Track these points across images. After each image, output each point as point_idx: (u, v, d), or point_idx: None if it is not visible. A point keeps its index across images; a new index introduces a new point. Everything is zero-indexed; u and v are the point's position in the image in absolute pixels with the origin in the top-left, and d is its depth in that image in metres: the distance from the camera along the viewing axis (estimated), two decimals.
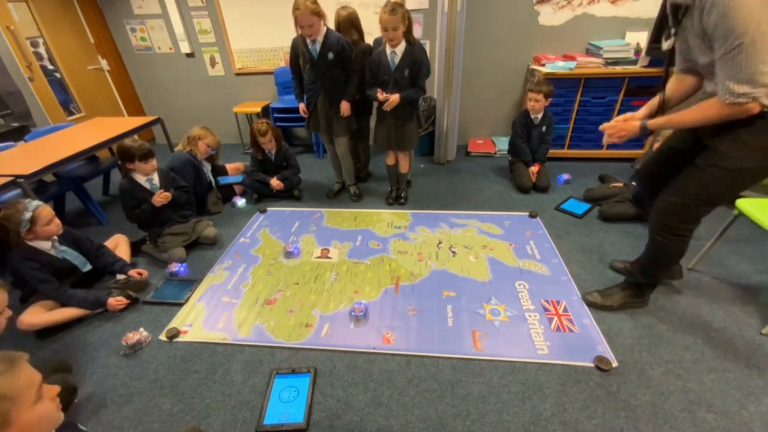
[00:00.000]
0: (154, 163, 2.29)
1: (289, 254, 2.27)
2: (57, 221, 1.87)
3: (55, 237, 1.89)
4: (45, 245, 1.85)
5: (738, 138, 1.24)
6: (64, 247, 1.93)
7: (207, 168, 2.83)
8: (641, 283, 1.73)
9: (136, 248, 2.37)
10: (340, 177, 3.01)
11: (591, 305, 1.79)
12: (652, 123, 1.34)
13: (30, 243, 1.80)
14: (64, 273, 1.94)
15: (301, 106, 2.63)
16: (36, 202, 1.79)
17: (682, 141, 1.51)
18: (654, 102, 1.44)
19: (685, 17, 1.19)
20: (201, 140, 2.69)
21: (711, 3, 1.05)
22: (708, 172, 1.33)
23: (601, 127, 1.49)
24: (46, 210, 1.81)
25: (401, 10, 2.11)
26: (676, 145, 1.55)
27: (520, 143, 2.96)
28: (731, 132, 1.25)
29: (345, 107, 2.48)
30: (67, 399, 1.38)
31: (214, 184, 2.90)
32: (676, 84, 1.42)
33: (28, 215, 1.73)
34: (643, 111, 1.45)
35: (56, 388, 0.89)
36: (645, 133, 1.38)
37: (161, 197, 2.27)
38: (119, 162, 2.29)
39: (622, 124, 1.42)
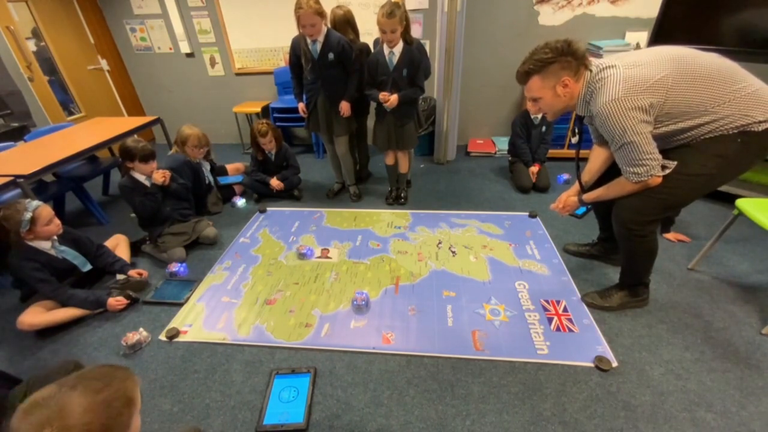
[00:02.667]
0: (154, 165, 2.29)
1: (302, 256, 2.26)
2: (57, 221, 1.86)
3: (55, 237, 1.89)
4: (45, 245, 1.85)
5: (695, 146, 1.37)
6: (63, 247, 1.93)
7: (206, 168, 2.82)
8: (632, 284, 1.75)
9: (136, 248, 2.38)
10: (340, 177, 3.00)
11: (590, 306, 1.79)
12: (587, 197, 1.65)
13: (30, 243, 1.80)
14: (64, 273, 1.94)
15: (301, 105, 2.63)
16: (36, 202, 1.79)
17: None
18: (584, 178, 1.77)
19: (586, 120, 1.59)
20: (186, 145, 2.63)
21: (595, 114, 1.38)
22: (668, 179, 1.41)
23: (552, 207, 1.84)
24: (46, 210, 1.81)
25: (399, 12, 2.11)
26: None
27: (520, 143, 2.96)
28: (687, 143, 1.39)
29: (345, 107, 2.48)
30: None
31: (213, 183, 2.89)
32: (597, 153, 1.71)
33: (28, 215, 1.73)
34: (576, 187, 1.79)
35: None
36: (584, 205, 1.72)
37: (161, 174, 2.29)
38: (120, 160, 2.29)
39: (565, 201, 1.78)
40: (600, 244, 2.10)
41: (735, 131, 1.29)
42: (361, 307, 1.84)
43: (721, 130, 1.31)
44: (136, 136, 2.59)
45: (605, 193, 1.56)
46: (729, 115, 1.28)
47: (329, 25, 2.43)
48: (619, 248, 1.70)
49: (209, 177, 2.84)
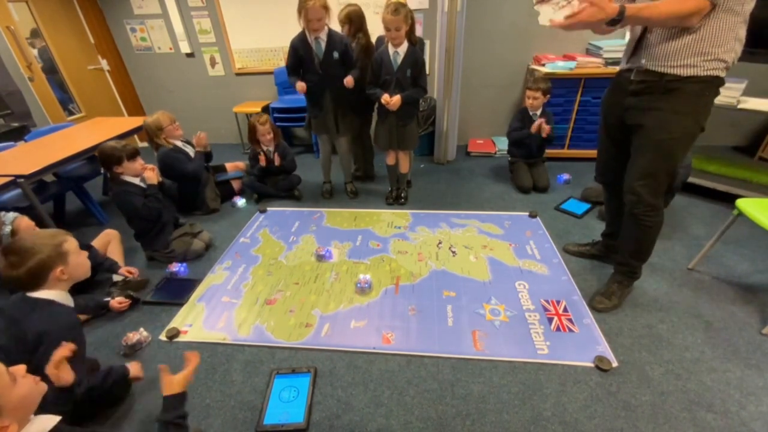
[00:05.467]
0: (141, 161, 2.20)
1: (320, 257, 2.25)
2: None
3: None
4: None
5: (665, 109, 1.41)
6: None
7: (189, 150, 2.71)
8: (636, 266, 1.76)
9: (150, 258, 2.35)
10: (328, 177, 3.00)
11: (602, 311, 1.76)
12: (631, 6, 1.24)
13: None
14: None
15: (299, 84, 2.43)
16: (12, 214, 1.71)
17: (613, 133, 1.69)
18: None
19: None
20: (163, 130, 2.53)
21: None
22: (654, 149, 1.47)
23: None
24: (25, 221, 1.72)
25: (404, 10, 2.12)
26: (611, 137, 1.71)
27: (514, 132, 2.91)
28: (656, 107, 1.43)
29: (349, 80, 2.38)
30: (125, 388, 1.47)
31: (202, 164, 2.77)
32: None
33: (7, 229, 1.65)
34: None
35: (23, 366, 0.91)
36: (621, 15, 1.22)
37: (152, 171, 2.22)
38: (104, 170, 2.13)
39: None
40: (601, 243, 2.09)
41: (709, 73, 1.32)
42: (365, 289, 1.94)
43: (709, 69, 1.32)
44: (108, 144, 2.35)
45: (654, 4, 1.25)
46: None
47: (345, 19, 2.47)
48: (632, 231, 1.67)
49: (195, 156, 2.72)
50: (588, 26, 1.26)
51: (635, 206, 1.58)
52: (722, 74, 1.34)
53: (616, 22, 1.24)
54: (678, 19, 1.28)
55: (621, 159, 1.67)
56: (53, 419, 0.94)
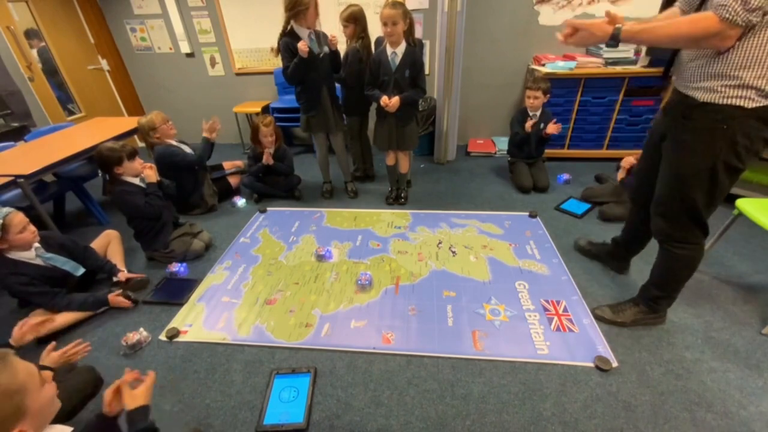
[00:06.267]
0: (140, 161, 2.19)
1: (320, 257, 2.24)
2: (32, 228, 1.73)
3: (38, 245, 1.78)
4: (28, 255, 1.74)
5: (684, 144, 1.27)
6: (50, 254, 1.82)
7: (186, 148, 2.71)
8: (657, 296, 1.61)
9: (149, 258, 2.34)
10: (327, 176, 3.01)
11: (600, 320, 1.72)
12: (629, 29, 1.16)
13: (10, 256, 1.68)
14: (60, 281, 1.86)
15: (301, 42, 2.23)
16: (6, 209, 1.64)
17: (649, 153, 1.53)
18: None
19: None
20: (157, 129, 2.52)
21: None
22: (665, 179, 1.36)
23: (567, 21, 1.24)
24: (18, 216, 1.66)
25: (402, 6, 2.14)
26: (645, 156, 1.58)
27: (515, 136, 2.91)
28: (672, 136, 1.30)
29: (334, 38, 2.36)
30: (92, 392, 1.37)
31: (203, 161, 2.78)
32: (669, 14, 1.29)
33: None
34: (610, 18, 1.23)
35: (51, 372, 0.94)
36: (615, 40, 1.15)
37: (151, 169, 2.21)
38: (103, 172, 2.13)
39: (591, 23, 1.19)
40: (609, 246, 2.02)
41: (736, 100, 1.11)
42: (365, 286, 1.96)
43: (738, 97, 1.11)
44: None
45: (657, 27, 1.13)
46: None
47: (349, 18, 2.50)
48: (659, 257, 1.55)
49: (191, 152, 2.73)
50: (586, 45, 1.23)
51: (655, 234, 1.50)
52: (748, 105, 1.09)
53: (612, 45, 1.18)
54: (689, 42, 1.10)
55: (652, 182, 1.53)
56: (66, 429, 0.95)
